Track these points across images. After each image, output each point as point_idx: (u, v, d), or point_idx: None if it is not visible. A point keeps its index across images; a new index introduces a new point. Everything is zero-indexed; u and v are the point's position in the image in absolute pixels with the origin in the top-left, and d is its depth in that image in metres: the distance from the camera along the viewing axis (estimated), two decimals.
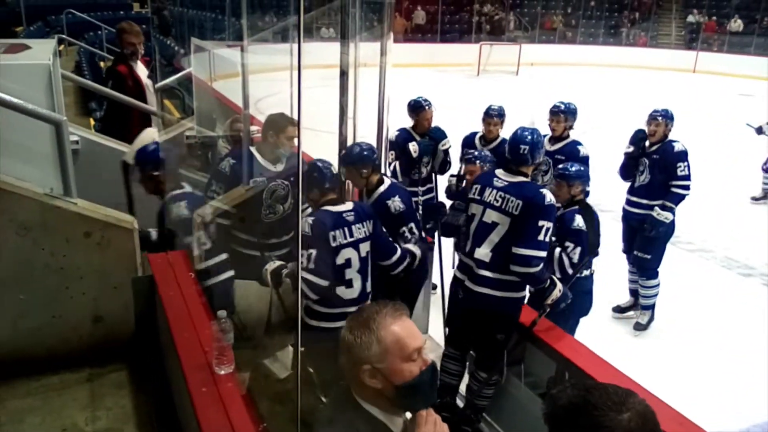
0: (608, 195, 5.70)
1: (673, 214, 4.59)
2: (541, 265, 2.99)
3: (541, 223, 2.95)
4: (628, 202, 4.89)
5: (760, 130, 7.94)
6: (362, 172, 3.25)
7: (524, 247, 2.94)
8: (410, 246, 3.25)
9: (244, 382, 3.11)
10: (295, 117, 3.87)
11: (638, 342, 4.82)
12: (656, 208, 4.60)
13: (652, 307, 4.90)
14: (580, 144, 4.58)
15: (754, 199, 8.22)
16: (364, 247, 2.99)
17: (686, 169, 4.55)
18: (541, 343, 3.06)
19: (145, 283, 3.11)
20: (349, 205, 3.01)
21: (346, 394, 1.50)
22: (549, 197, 2.99)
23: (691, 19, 23.74)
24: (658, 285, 4.83)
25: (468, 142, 4.95)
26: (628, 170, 4.87)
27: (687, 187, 4.57)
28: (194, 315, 2.66)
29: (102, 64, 10.93)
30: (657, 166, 4.62)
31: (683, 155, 4.55)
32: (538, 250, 2.96)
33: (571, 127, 4.66)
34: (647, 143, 4.69)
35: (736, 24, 22.48)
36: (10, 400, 2.93)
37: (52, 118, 2.98)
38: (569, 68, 20.82)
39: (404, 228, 3.27)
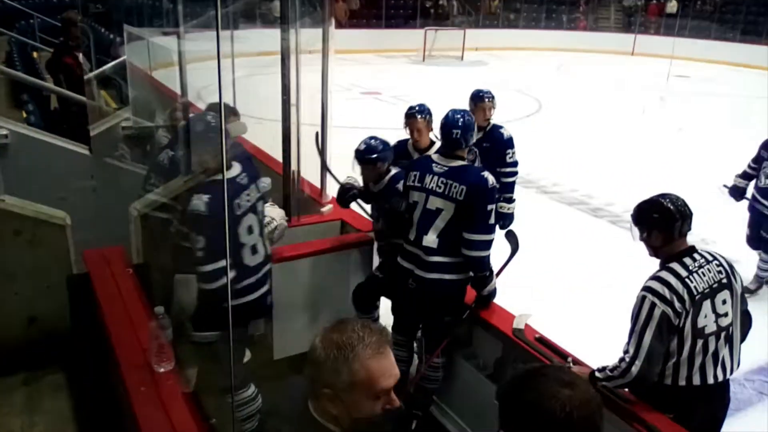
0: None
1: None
2: (491, 248, 3.02)
3: (489, 207, 2.98)
4: None
5: (735, 191, 5.31)
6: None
7: (476, 233, 2.96)
8: None
9: (190, 380, 3.06)
10: (235, 105, 3.80)
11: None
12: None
13: None
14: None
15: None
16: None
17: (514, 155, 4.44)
18: (488, 324, 3.09)
19: (81, 281, 3.00)
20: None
21: (305, 414, 1.40)
22: (491, 180, 3.00)
23: (627, 2, 24.28)
24: None
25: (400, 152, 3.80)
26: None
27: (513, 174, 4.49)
28: (132, 312, 2.58)
29: (35, 54, 10.49)
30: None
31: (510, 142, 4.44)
32: (489, 234, 3.00)
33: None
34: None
35: (672, 5, 23.11)
36: None
37: None
38: (514, 52, 21.11)
39: None
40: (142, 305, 2.67)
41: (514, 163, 4.44)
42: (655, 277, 2.40)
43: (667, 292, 2.33)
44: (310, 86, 3.75)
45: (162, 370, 2.19)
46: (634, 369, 2.33)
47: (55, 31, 11.36)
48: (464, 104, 3.95)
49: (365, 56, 18.67)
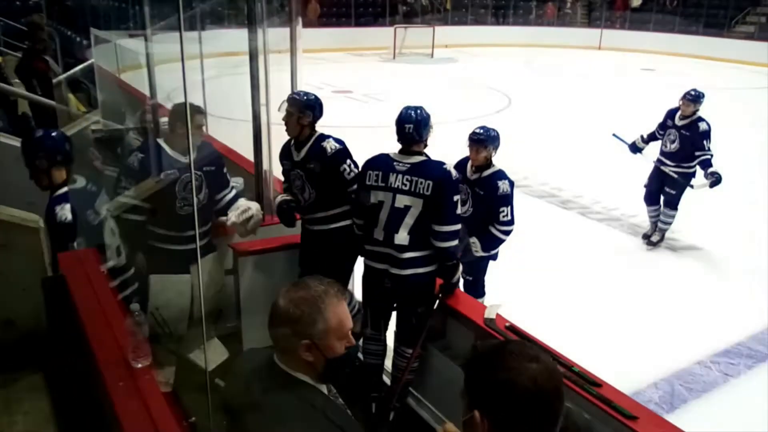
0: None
1: None
2: (458, 237, 3.13)
3: (455, 198, 3.08)
4: None
5: (634, 147, 6.35)
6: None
7: (446, 224, 3.05)
8: None
9: (168, 379, 3.09)
10: (205, 106, 3.82)
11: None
12: None
13: None
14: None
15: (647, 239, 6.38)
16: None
17: None
18: (460, 315, 3.16)
19: (56, 283, 3.01)
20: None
21: (274, 370, 1.57)
22: (454, 172, 3.10)
23: None
24: None
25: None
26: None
27: None
28: (108, 311, 2.60)
29: (1, 59, 10.33)
30: None
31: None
32: (457, 224, 3.10)
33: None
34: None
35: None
36: None
37: None
38: (482, 49, 21.31)
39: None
40: (117, 304, 2.69)
41: None
42: None
43: None
44: (280, 86, 3.79)
45: (140, 365, 2.23)
46: None
47: (19, 35, 11.20)
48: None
49: (336, 55, 18.72)
